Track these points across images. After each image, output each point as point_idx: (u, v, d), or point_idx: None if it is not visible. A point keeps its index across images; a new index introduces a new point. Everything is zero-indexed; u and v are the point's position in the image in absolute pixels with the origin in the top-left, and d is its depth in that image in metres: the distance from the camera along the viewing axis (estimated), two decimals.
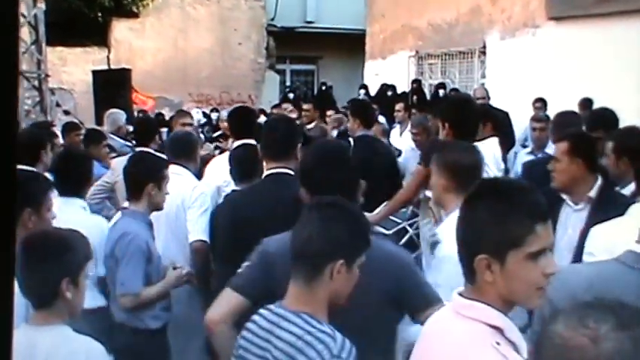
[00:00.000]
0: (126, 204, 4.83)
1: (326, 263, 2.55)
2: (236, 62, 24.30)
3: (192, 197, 5.29)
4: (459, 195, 3.64)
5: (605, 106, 7.24)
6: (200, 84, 23.57)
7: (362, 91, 17.75)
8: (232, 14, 24.25)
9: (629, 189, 4.59)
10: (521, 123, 11.58)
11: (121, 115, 9.44)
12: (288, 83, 26.84)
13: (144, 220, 4.58)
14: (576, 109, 10.12)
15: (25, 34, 16.32)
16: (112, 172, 6.57)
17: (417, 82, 16.92)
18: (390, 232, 6.27)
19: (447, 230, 3.70)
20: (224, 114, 13.76)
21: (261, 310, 2.71)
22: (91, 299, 3.86)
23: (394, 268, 3.05)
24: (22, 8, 16.01)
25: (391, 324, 3.14)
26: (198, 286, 4.86)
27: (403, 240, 6.49)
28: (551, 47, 13.50)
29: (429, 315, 2.79)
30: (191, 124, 7.99)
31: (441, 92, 15.55)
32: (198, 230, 5.16)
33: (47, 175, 4.85)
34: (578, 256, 3.88)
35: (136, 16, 22.79)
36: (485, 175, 4.32)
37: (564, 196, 4.49)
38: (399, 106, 11.49)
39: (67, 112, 16.21)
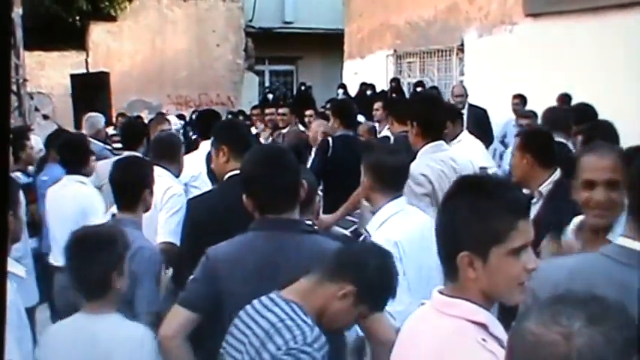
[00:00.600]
0: (113, 209, 4.69)
1: (334, 283, 2.68)
2: (214, 63, 24.25)
3: (164, 199, 5.24)
4: (385, 194, 4.11)
5: (585, 102, 7.32)
6: (178, 86, 23.50)
7: (340, 91, 17.75)
8: (210, 15, 24.20)
9: None
10: (499, 119, 11.67)
11: (99, 119, 9.42)
12: (267, 84, 26.78)
13: (140, 228, 4.43)
14: (555, 104, 10.19)
15: None
16: (97, 175, 6.51)
17: (395, 81, 16.92)
18: (348, 231, 6.23)
19: (374, 226, 4.06)
20: None
21: (263, 297, 2.76)
22: None
23: None
24: None
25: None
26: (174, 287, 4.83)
27: (360, 239, 6.52)
28: (529, 44, 13.55)
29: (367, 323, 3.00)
30: (169, 130, 8.02)
31: (419, 89, 15.58)
32: (166, 232, 5.10)
33: None
34: None
35: (113, 19, 22.69)
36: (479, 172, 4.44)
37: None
38: (377, 105, 11.49)
39: (45, 117, 16.16)
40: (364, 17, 19.28)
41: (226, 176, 4.20)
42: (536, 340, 1.48)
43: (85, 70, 19.74)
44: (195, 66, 23.87)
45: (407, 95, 15.83)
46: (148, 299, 4.10)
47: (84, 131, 9.32)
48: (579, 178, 3.22)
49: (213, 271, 3.12)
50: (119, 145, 7.80)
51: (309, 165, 7.42)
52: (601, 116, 6.74)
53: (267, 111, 12.53)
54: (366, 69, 18.83)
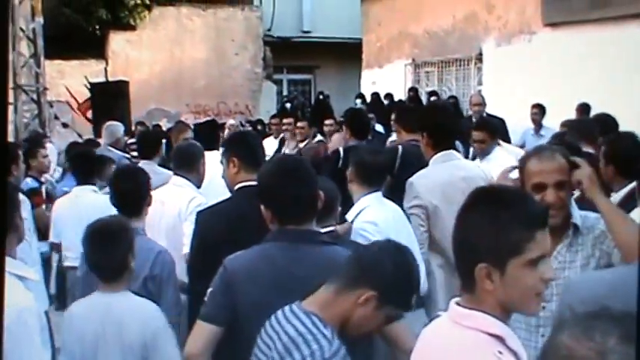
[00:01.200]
0: None
1: (355, 291, 2.66)
2: (233, 72, 24.30)
3: (188, 210, 5.28)
4: (363, 187, 4.74)
5: (605, 112, 7.28)
6: (197, 94, 23.56)
7: (358, 100, 17.75)
8: (228, 24, 24.26)
9: (620, 194, 4.63)
10: (518, 129, 11.63)
11: (119, 127, 9.46)
12: (285, 93, 26.83)
13: (146, 233, 4.58)
14: (573, 114, 10.15)
15: (23, 47, 16.38)
16: None
17: (413, 90, 16.93)
18: None
19: (352, 214, 4.63)
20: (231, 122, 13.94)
21: (285, 307, 2.76)
22: None
23: None
24: (21, 22, 16.08)
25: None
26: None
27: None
28: (547, 53, 13.52)
29: (388, 331, 2.99)
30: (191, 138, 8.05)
31: (433, 99, 15.56)
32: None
33: None
34: None
35: (132, 28, 22.81)
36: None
37: None
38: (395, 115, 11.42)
39: (65, 125, 16.26)
40: (382, 26, 19.30)
41: (237, 187, 4.21)
42: (569, 354, 1.48)
43: (104, 79, 19.81)
44: (214, 75, 23.94)
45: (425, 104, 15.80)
46: (173, 302, 4.30)
47: (103, 139, 9.39)
48: (529, 182, 3.29)
49: (231, 282, 3.11)
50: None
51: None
52: (622, 127, 6.70)
53: (284, 121, 12.56)
54: (384, 78, 18.84)
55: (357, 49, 20.79)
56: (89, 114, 16.07)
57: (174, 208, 5.34)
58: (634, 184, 4.06)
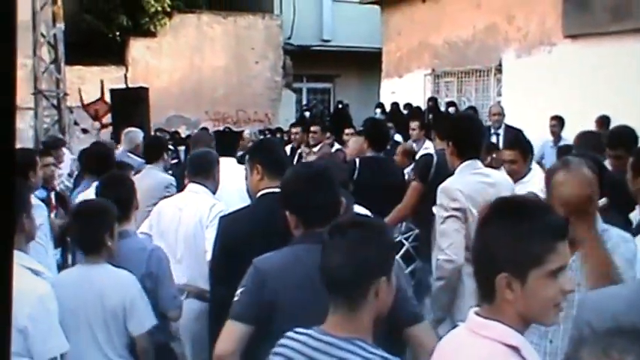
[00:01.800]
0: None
1: (369, 285, 2.51)
2: (252, 81, 24.38)
3: (210, 216, 5.31)
4: None
5: (624, 124, 7.21)
6: (216, 102, 23.66)
7: (378, 110, 17.74)
8: (249, 33, 24.35)
9: None
10: (537, 141, 11.56)
11: (138, 134, 9.48)
12: (304, 102, 26.86)
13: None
14: (593, 126, 10.10)
15: (44, 53, 16.51)
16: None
17: (433, 101, 16.91)
18: None
19: None
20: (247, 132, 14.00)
21: (295, 335, 2.65)
22: None
23: None
24: (42, 28, 16.22)
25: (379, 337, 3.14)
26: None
27: (400, 253, 6.55)
28: (568, 65, 13.47)
29: (413, 332, 3.04)
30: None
31: (452, 110, 15.54)
32: None
33: None
34: None
35: (153, 35, 22.93)
36: None
37: None
38: (414, 124, 11.44)
39: (85, 131, 16.34)
40: (402, 36, 19.29)
41: (259, 194, 4.24)
42: None
43: (124, 86, 19.91)
44: (233, 83, 24.02)
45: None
46: (172, 295, 4.51)
47: (122, 146, 9.42)
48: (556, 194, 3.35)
49: (263, 281, 3.13)
50: None
51: None
52: None
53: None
54: (404, 88, 18.81)
55: (376, 59, 20.78)
56: (105, 118, 16.12)
57: (194, 215, 5.36)
58: None
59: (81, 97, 17.28)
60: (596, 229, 3.30)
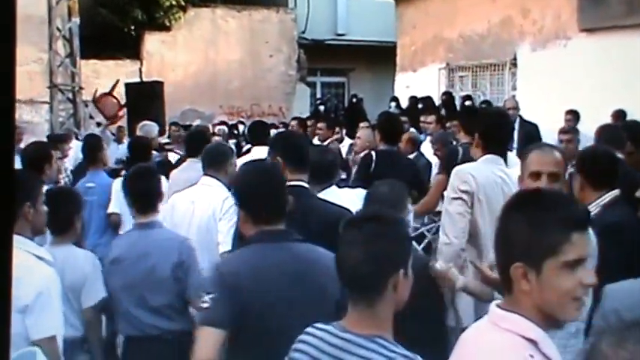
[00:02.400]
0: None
1: (388, 280, 2.48)
2: (266, 74, 24.37)
3: (223, 209, 5.34)
4: (314, 184, 4.74)
5: (634, 119, 7.19)
6: (230, 96, 23.66)
7: (393, 104, 17.68)
8: (263, 27, 24.34)
9: None
10: (551, 135, 11.51)
11: (153, 127, 9.53)
12: (318, 95, 26.81)
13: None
14: (609, 120, 10.04)
15: (59, 47, 16.58)
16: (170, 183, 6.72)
17: (447, 95, 16.85)
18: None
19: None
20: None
21: (315, 331, 2.63)
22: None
23: None
24: (57, 22, 16.30)
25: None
26: None
27: (422, 245, 6.57)
28: (583, 59, 13.41)
29: None
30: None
31: (468, 103, 15.47)
32: (229, 242, 5.16)
33: None
34: None
35: (168, 29, 22.96)
36: None
37: None
38: (430, 118, 11.38)
39: (99, 124, 16.38)
40: (417, 30, 19.24)
41: None
42: None
43: (139, 79, 19.94)
44: (248, 77, 24.02)
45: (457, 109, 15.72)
46: (199, 284, 4.43)
47: None
48: (527, 170, 3.75)
49: (235, 284, 3.15)
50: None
51: (352, 178, 7.44)
52: None
53: (319, 125, 12.60)
54: (418, 82, 18.76)
55: (391, 53, 20.73)
56: (120, 113, 16.14)
57: (207, 208, 5.39)
58: None
59: (95, 93, 17.34)
60: None
